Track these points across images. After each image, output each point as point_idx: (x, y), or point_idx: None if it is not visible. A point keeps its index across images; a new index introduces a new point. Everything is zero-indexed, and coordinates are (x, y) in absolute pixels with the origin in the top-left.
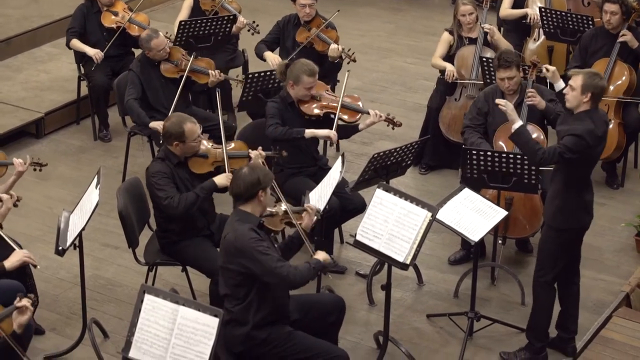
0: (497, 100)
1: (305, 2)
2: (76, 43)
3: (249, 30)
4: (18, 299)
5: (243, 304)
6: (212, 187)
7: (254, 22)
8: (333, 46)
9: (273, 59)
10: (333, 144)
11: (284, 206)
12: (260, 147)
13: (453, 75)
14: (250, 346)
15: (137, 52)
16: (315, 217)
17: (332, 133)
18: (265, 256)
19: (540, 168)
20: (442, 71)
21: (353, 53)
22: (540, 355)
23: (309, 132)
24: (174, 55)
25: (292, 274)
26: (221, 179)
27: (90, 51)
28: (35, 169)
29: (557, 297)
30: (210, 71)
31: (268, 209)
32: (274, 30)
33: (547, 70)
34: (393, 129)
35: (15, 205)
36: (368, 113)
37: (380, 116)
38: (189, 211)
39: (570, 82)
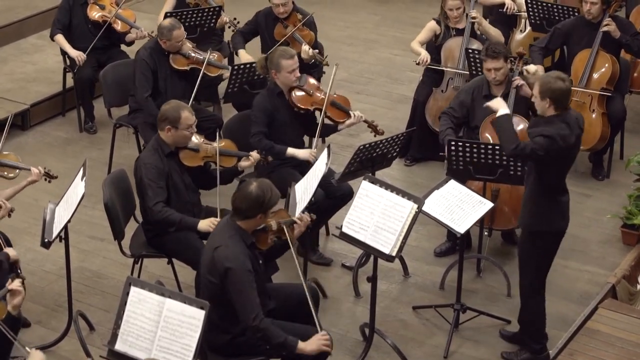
0: (487, 104)
1: (278, 1)
2: (60, 39)
3: (229, 27)
4: (10, 280)
5: (221, 312)
6: (193, 226)
7: (234, 18)
8: (304, 48)
9: (247, 60)
10: (312, 163)
11: (278, 222)
12: (255, 151)
13: (425, 61)
14: (233, 351)
15: (123, 46)
16: (309, 221)
17: (311, 155)
18: (248, 297)
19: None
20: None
21: (326, 56)
22: (541, 355)
23: (290, 152)
24: (183, 48)
25: (266, 328)
26: (204, 224)
27: (73, 52)
28: (45, 179)
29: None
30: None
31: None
32: (252, 20)
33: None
34: (375, 136)
35: (8, 215)
36: (351, 115)
37: (361, 117)
38: (163, 226)
39: (533, 89)
